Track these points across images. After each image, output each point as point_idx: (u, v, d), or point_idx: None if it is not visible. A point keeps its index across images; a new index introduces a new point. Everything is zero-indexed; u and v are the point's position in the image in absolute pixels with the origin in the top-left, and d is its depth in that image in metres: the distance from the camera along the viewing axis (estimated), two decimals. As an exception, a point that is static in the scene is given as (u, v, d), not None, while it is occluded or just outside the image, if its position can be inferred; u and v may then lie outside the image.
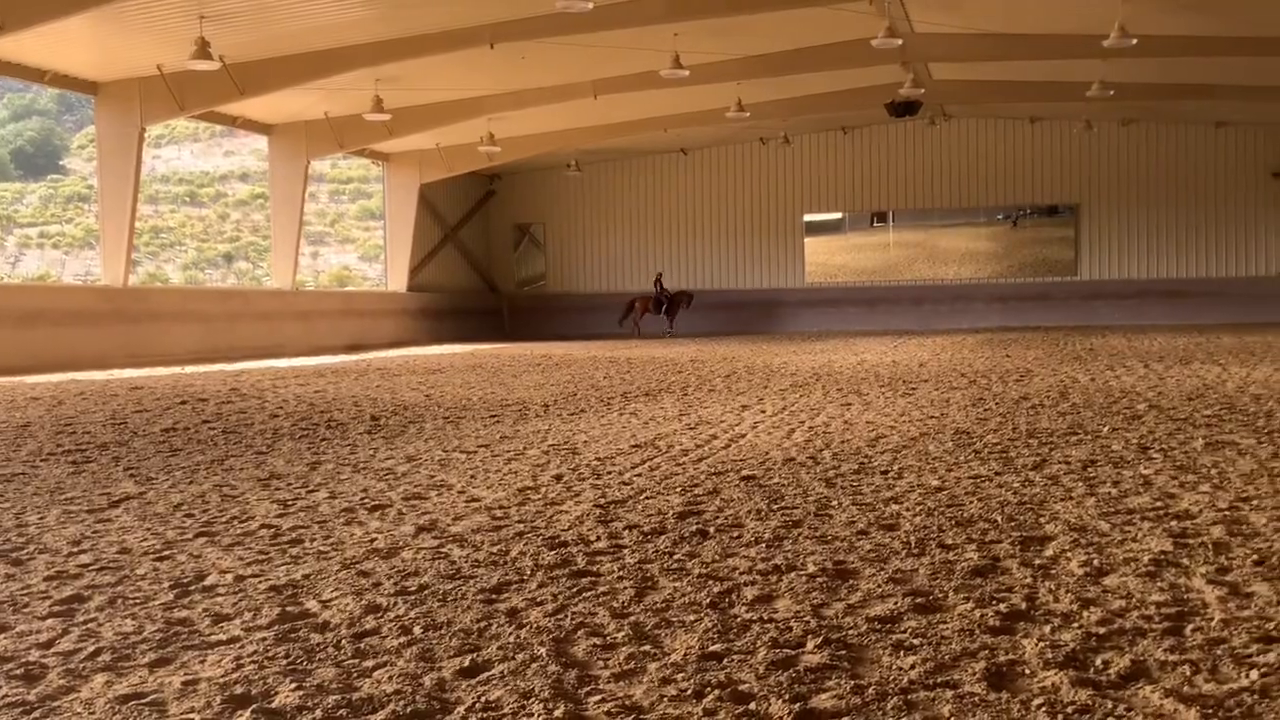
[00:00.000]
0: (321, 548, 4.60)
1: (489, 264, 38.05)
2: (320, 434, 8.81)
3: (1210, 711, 2.68)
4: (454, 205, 35.86)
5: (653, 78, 22.95)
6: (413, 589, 3.91)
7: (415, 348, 27.92)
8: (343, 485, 6.20)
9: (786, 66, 24.04)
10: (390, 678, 3.00)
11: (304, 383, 14.90)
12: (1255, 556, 4.13)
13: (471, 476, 6.47)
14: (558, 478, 6.35)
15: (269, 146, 28.56)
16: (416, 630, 3.42)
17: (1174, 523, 4.76)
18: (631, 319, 33.82)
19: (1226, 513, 4.95)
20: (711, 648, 3.22)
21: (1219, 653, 3.09)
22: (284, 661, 3.14)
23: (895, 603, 3.64)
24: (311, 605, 3.71)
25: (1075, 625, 3.36)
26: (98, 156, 23.93)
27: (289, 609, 3.66)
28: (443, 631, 3.41)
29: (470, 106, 25.89)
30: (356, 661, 3.14)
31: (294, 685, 2.94)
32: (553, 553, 4.43)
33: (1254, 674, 2.92)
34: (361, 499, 5.73)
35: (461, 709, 2.77)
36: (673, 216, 36.97)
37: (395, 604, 3.71)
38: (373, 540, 4.71)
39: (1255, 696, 2.77)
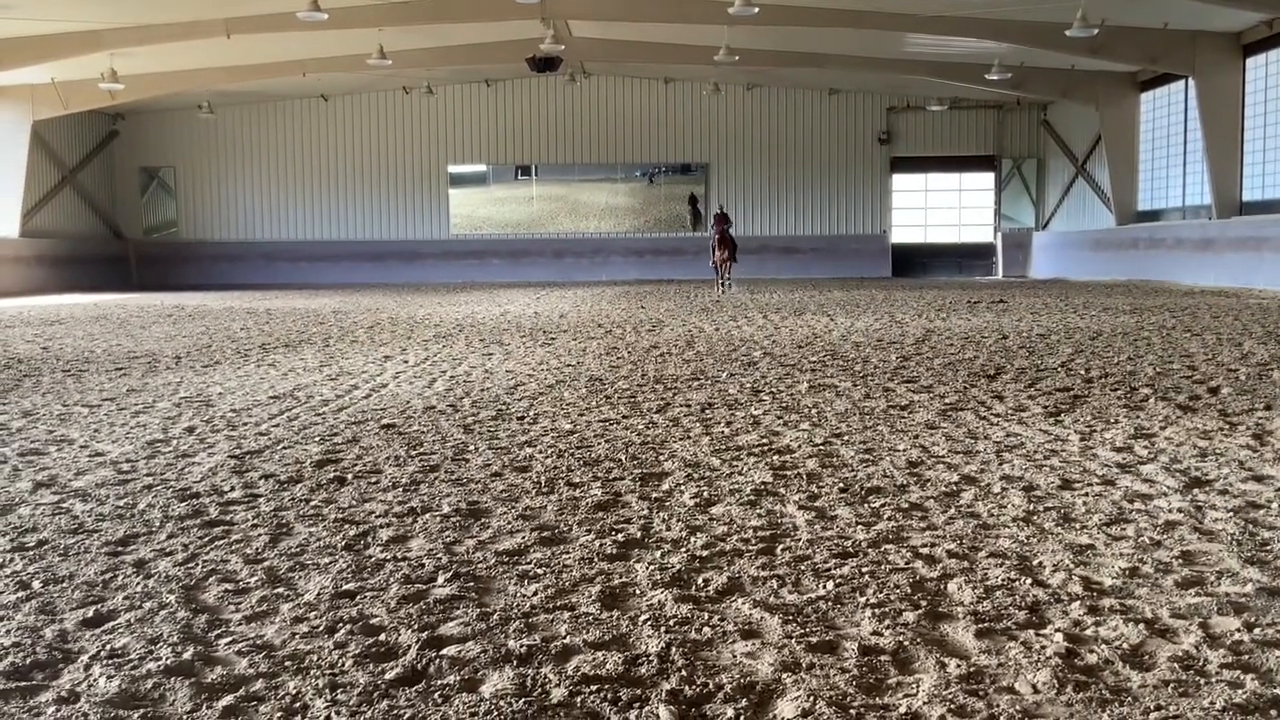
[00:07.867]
0: (-74, 508, 4.34)
1: (114, 209, 35.67)
2: (-80, 390, 8.14)
3: (790, 617, 3.06)
4: (73, 145, 33.38)
5: (290, 19, 22.13)
6: (31, 545, 3.78)
7: (30, 297, 25.86)
8: (-52, 443, 5.81)
9: (429, 15, 23.80)
10: (8, 631, 2.93)
11: (-102, 336, 13.60)
12: (841, 484, 4.65)
13: (95, 430, 6.21)
14: (190, 430, 6.20)
15: None
16: (36, 585, 3.34)
17: (776, 457, 5.26)
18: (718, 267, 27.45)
19: (821, 447, 5.50)
20: (345, 587, 3.33)
21: (803, 568, 3.50)
22: (-113, 623, 3.00)
23: (523, 537, 3.88)
24: (-84, 566, 3.53)
25: (683, 550, 3.71)
26: None
27: (-110, 571, 3.47)
28: (65, 585, 3.34)
29: (89, 40, 24.07)
30: (-30, 619, 3.04)
31: (-100, 646, 2.83)
32: (184, 504, 4.38)
33: (830, 584, 3.33)
34: (-30, 457, 5.41)
35: (85, 657, 2.76)
36: (314, 163, 35.92)
37: (11, 560, 3.59)
38: (-15, 498, 4.49)
39: (830, 603, 3.18)
